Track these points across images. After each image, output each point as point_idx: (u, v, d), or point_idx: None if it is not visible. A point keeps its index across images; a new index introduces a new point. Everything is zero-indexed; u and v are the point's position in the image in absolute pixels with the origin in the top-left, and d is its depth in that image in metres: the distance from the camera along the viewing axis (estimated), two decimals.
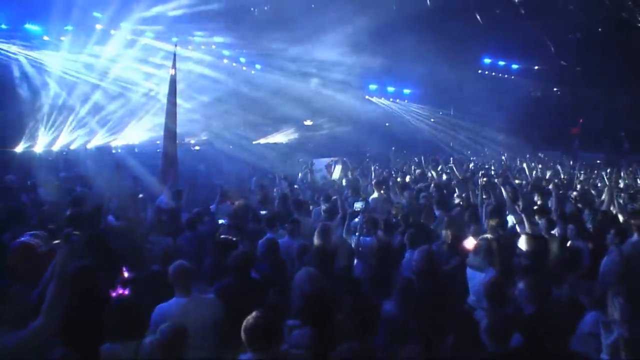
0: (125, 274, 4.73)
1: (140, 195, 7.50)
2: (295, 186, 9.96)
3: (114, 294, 4.22)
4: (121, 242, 5.39)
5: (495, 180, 11.58)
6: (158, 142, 20.59)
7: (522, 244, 5.93)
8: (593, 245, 6.58)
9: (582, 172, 15.77)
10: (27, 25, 16.74)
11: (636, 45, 21.71)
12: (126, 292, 4.28)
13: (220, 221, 6.90)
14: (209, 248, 5.90)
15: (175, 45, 11.87)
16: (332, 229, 6.18)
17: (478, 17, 21.32)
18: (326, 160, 12.90)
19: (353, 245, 6.10)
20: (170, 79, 10.97)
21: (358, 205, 6.33)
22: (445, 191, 10.01)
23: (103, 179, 9.36)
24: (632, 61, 22.12)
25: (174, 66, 10.95)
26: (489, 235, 5.83)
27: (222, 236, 5.73)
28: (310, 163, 10.38)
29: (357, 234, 6.27)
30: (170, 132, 10.74)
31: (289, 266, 5.66)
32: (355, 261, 6.00)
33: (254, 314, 3.25)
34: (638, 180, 14.87)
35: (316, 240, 6.00)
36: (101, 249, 4.95)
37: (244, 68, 25.41)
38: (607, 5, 20.89)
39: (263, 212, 7.27)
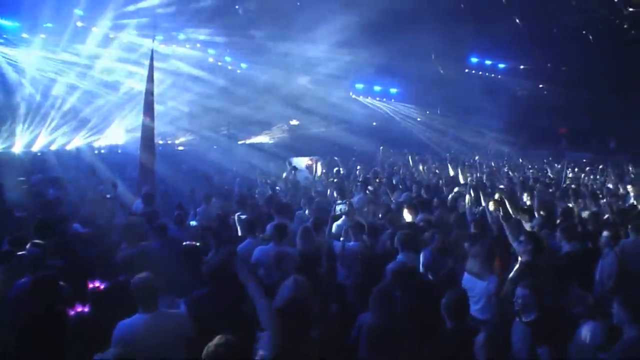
0: (92, 285, 4.36)
1: (108, 195, 7.04)
2: (277, 188, 9.55)
3: (72, 312, 3.85)
4: (89, 251, 5.02)
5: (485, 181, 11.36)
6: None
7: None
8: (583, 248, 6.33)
9: (569, 170, 15.61)
10: (3, 21, 16.19)
11: (622, 44, 21.80)
12: (86, 309, 3.93)
13: (192, 223, 6.54)
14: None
15: (153, 40, 11.39)
16: (313, 232, 5.87)
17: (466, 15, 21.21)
18: (305, 159, 12.54)
19: (336, 250, 5.78)
20: (148, 77, 10.54)
21: (339, 208, 6.00)
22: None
23: (78, 182, 8.92)
24: (618, 61, 22.25)
25: (151, 64, 10.53)
26: (490, 240, 5.54)
27: (186, 242, 5.38)
28: (289, 163, 10.02)
29: (341, 238, 5.97)
30: (148, 136, 10.30)
31: (272, 275, 5.31)
32: (339, 267, 5.69)
33: (216, 340, 2.92)
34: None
35: (298, 245, 5.71)
36: (66, 259, 4.57)
37: (230, 67, 25.08)
38: (593, 5, 20.89)
39: (243, 216, 6.91)
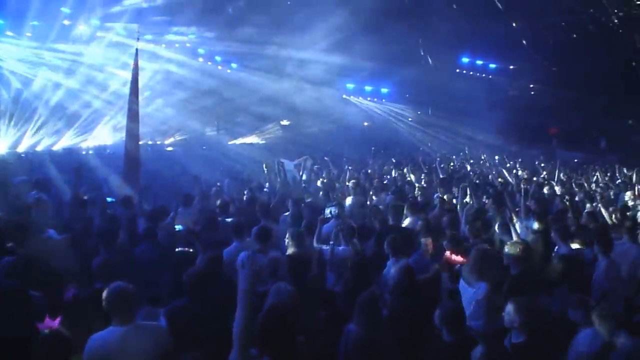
0: (66, 294, 4.13)
1: (86, 197, 6.75)
2: (265, 189, 9.28)
3: (42, 326, 3.59)
4: (63, 258, 4.75)
5: (477, 181, 11.21)
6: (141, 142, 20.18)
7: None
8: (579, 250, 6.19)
9: (560, 170, 15.50)
10: None
11: (612, 45, 21.80)
12: (56, 323, 3.68)
13: (177, 227, 6.29)
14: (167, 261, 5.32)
15: (137, 39, 11.09)
16: (305, 236, 5.66)
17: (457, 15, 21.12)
18: (295, 160, 12.30)
19: (325, 255, 5.57)
20: (132, 76, 10.25)
21: (329, 211, 5.78)
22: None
23: (62, 184, 8.60)
24: (608, 61, 22.22)
25: (135, 63, 10.24)
26: (485, 245, 5.34)
27: (179, 249, 5.13)
28: (279, 163, 9.77)
29: (330, 242, 5.75)
30: (132, 135, 10.02)
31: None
32: (328, 273, 5.49)
33: None
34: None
35: (290, 248, 5.50)
36: (37, 268, 4.30)
37: (220, 67, 24.82)
38: (583, 6, 20.88)
39: (228, 220, 6.66)
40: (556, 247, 6.10)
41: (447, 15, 21.22)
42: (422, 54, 22.83)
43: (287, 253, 5.52)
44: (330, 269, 5.50)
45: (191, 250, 5.24)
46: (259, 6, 19.37)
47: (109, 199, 7.07)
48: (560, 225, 6.42)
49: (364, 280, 5.03)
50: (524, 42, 23.16)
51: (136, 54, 10.35)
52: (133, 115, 10.07)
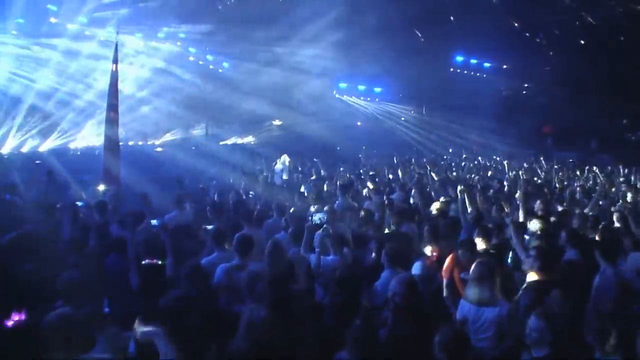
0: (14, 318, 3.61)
1: (58, 205, 6.22)
2: (251, 193, 8.74)
3: None
4: (21, 272, 4.24)
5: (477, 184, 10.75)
6: (121, 143, 19.76)
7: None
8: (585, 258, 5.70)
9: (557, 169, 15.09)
10: None
11: (605, 45, 21.60)
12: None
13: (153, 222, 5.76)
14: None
15: (117, 33, 10.54)
16: (283, 246, 5.17)
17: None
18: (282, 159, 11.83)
19: (312, 266, 5.08)
20: (111, 76, 9.70)
21: (318, 217, 5.28)
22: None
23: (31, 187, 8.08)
24: (601, 61, 22.20)
25: (115, 61, 9.70)
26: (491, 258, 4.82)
27: (145, 261, 4.62)
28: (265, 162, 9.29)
29: (317, 250, 5.23)
30: (111, 141, 9.47)
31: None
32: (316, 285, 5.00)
33: None
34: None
35: (267, 261, 5.00)
36: None
37: (211, 66, 24.41)
38: (576, 6, 20.62)
39: (209, 227, 6.14)
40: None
41: (442, 13, 20.96)
42: (415, 52, 22.45)
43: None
44: (317, 281, 4.99)
45: (159, 262, 4.72)
46: (251, 4, 19.03)
47: (79, 204, 6.52)
48: (570, 228, 5.95)
49: (353, 295, 4.56)
50: (519, 41, 22.93)
51: (115, 50, 9.80)
52: (111, 123, 9.50)
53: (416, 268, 5.02)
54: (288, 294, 4.35)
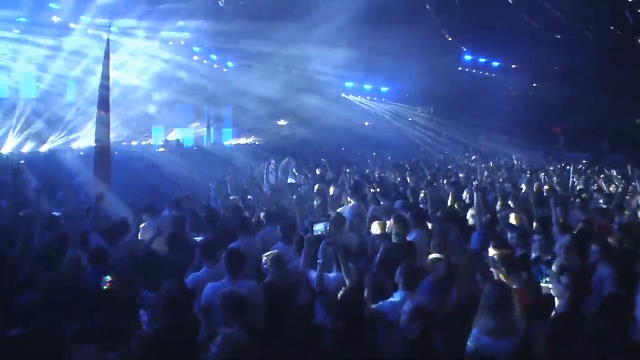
0: None
1: (22, 213, 5.63)
2: (249, 197, 8.14)
3: None
4: None
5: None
6: (124, 143, 19.53)
7: None
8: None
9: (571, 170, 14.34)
10: None
11: (615, 44, 21.44)
12: None
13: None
14: None
15: (109, 27, 10.06)
16: (284, 259, 4.61)
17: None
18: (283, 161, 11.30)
19: (313, 283, 4.48)
20: (102, 74, 9.19)
21: (319, 228, 4.63)
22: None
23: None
24: (610, 60, 21.93)
25: (106, 59, 9.20)
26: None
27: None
28: (268, 163, 8.77)
29: (319, 262, 4.59)
30: (101, 141, 8.95)
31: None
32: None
33: None
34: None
35: (269, 274, 4.47)
36: None
37: (215, 66, 24.05)
38: (586, 5, 20.28)
39: (197, 238, 5.56)
40: None
41: (450, 12, 20.66)
42: (423, 51, 22.00)
43: (265, 280, 4.49)
44: (318, 300, 4.39)
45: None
46: (257, 4, 18.89)
47: (55, 213, 5.94)
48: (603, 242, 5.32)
49: (358, 318, 3.97)
50: (527, 39, 22.46)
51: (107, 48, 9.30)
52: (104, 110, 8.99)
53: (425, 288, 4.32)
54: (282, 318, 3.84)
